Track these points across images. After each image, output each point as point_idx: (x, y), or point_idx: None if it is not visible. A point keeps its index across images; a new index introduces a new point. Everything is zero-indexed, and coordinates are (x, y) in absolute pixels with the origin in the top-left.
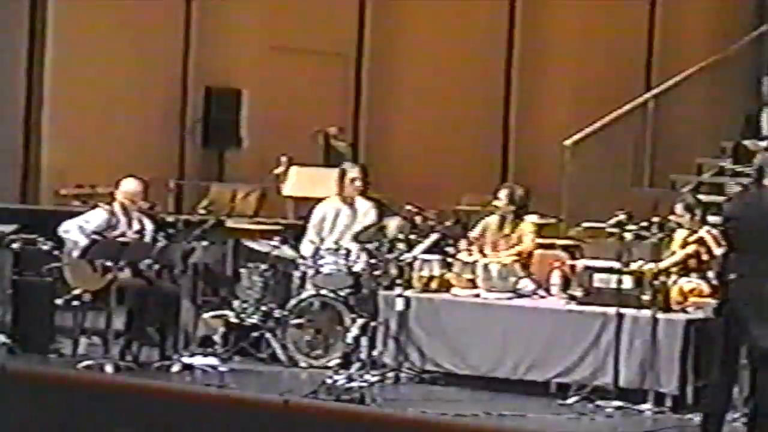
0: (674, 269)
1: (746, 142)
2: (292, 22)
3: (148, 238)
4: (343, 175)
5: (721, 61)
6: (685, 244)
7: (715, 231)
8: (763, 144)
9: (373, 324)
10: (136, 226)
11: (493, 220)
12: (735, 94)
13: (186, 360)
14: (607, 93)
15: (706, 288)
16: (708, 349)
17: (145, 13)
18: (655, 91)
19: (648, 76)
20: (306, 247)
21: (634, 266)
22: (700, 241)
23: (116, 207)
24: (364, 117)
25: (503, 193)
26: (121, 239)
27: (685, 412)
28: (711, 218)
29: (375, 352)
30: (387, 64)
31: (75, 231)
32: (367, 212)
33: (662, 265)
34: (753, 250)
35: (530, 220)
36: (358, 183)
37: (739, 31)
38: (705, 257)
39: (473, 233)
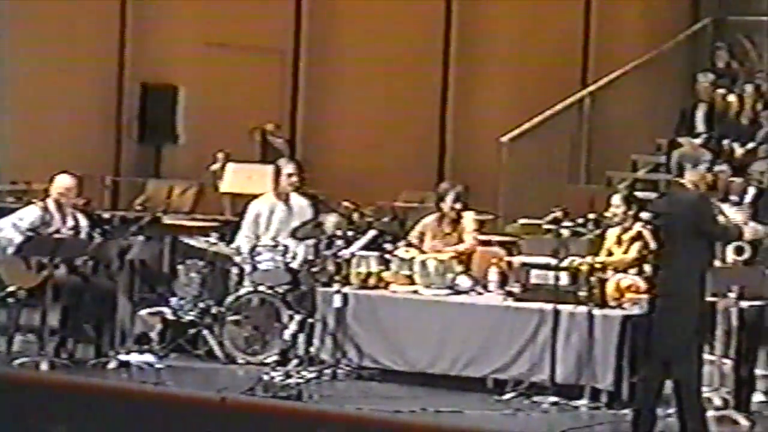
0: (611, 266)
1: (681, 139)
2: (228, 17)
3: (83, 235)
4: (279, 171)
5: (656, 59)
6: (619, 241)
7: (650, 226)
8: (697, 141)
9: (310, 320)
10: (70, 222)
11: (431, 219)
12: (670, 91)
13: (122, 357)
14: (543, 90)
15: (642, 284)
16: (644, 345)
17: (80, 10)
18: (590, 89)
19: (584, 73)
20: (241, 244)
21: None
22: (639, 237)
23: (50, 204)
24: (301, 113)
25: (451, 195)
26: (56, 236)
27: (620, 408)
28: (644, 215)
29: (312, 349)
30: (324, 61)
31: (9, 228)
32: (302, 209)
33: (606, 260)
34: (675, 247)
35: (469, 217)
36: (294, 179)
37: (674, 28)
38: (644, 252)
39: (412, 235)
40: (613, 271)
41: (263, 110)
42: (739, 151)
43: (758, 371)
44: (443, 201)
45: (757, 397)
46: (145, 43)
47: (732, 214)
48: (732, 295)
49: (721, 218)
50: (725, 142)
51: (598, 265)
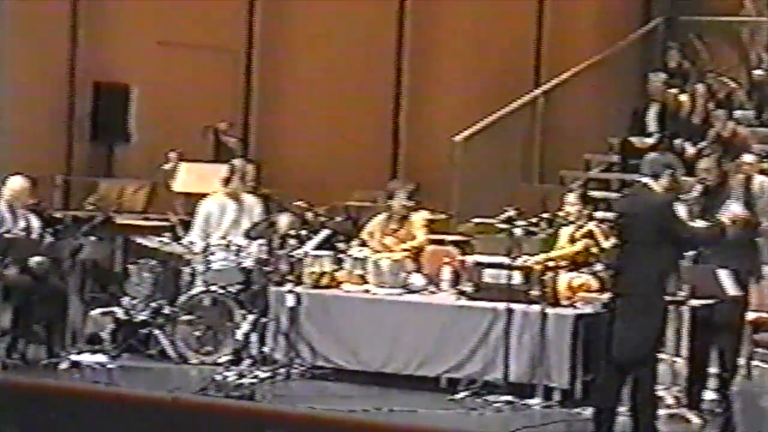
0: (564, 263)
1: (633, 139)
2: (181, 17)
3: (35, 235)
4: (232, 170)
5: (609, 59)
6: (572, 240)
7: (603, 225)
8: (649, 140)
9: (263, 320)
10: (22, 223)
11: (382, 218)
12: (622, 90)
13: (74, 357)
14: (496, 89)
15: (594, 283)
16: (596, 344)
17: (33, 8)
18: (544, 88)
19: (537, 72)
20: (192, 243)
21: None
22: (590, 235)
23: (2, 205)
24: (254, 113)
25: (402, 193)
26: (7, 236)
27: (573, 406)
28: (598, 213)
29: (266, 349)
30: (277, 60)
31: None
32: (253, 208)
33: (552, 254)
34: (636, 248)
35: (420, 215)
36: (247, 179)
37: (626, 28)
38: (594, 250)
39: (364, 234)
40: (564, 268)
41: (216, 109)
42: (690, 150)
43: (710, 369)
44: (393, 199)
45: (709, 395)
46: (97, 41)
47: (682, 212)
48: (683, 293)
49: (699, 222)
50: (677, 141)
51: (551, 263)
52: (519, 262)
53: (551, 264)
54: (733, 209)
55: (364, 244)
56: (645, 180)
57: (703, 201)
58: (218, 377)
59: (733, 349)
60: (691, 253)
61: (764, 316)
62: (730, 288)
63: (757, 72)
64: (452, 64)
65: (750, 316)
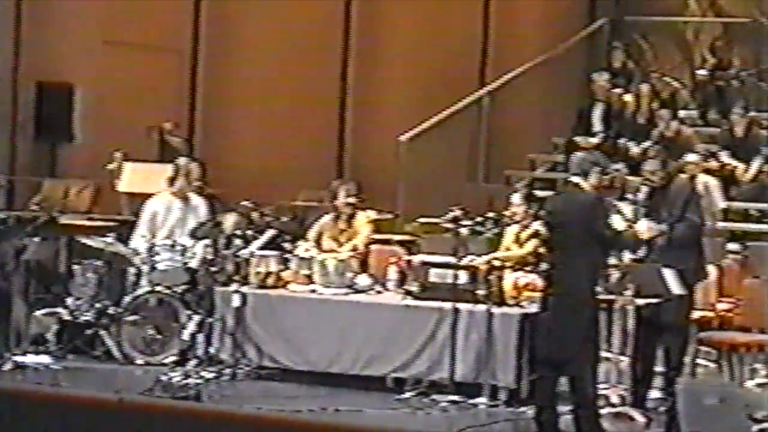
0: (509, 263)
1: (578, 138)
2: (125, 16)
3: None
4: (177, 170)
5: (554, 59)
6: (517, 239)
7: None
8: (594, 140)
9: (209, 320)
10: None
11: (328, 218)
12: (567, 90)
13: (18, 359)
14: (442, 89)
15: (540, 282)
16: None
17: None
18: (489, 88)
19: (482, 72)
20: (137, 243)
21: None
22: (536, 235)
23: None
24: (199, 113)
25: (342, 191)
26: None
27: (519, 405)
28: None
29: (211, 349)
30: (223, 60)
31: None
32: (198, 208)
33: (498, 254)
34: (567, 246)
35: (366, 215)
36: (190, 178)
37: (571, 28)
38: (541, 250)
39: (311, 234)
40: (510, 267)
41: (161, 109)
42: (635, 150)
43: (655, 368)
44: (336, 198)
45: (654, 393)
46: (40, 40)
47: (628, 212)
48: (628, 293)
49: (619, 220)
50: (621, 141)
51: (497, 263)
52: (465, 261)
53: (497, 264)
54: (641, 225)
55: (318, 243)
56: (574, 179)
57: (648, 202)
58: (164, 378)
59: (679, 348)
60: (641, 253)
61: (709, 315)
62: (675, 287)
63: (701, 72)
64: (398, 64)
65: (695, 315)
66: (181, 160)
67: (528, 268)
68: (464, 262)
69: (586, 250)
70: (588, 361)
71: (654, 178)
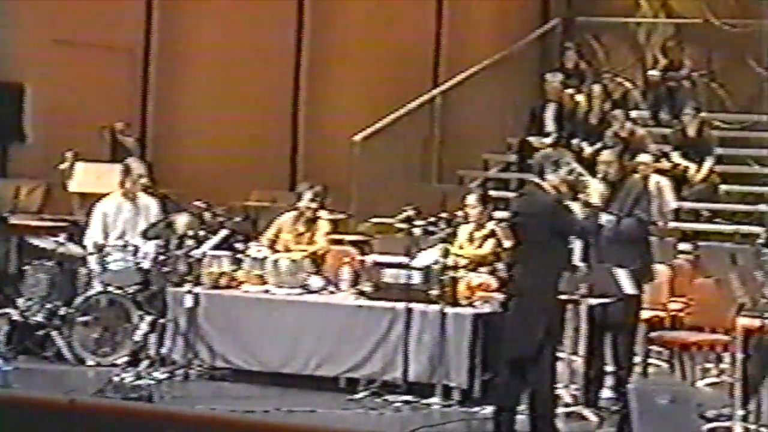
0: (463, 262)
1: (531, 138)
2: (77, 15)
3: None
4: (126, 170)
5: (507, 58)
6: (471, 239)
7: (503, 224)
8: (547, 140)
9: (161, 321)
10: None
11: (287, 219)
12: (520, 90)
13: None
14: (395, 90)
15: (494, 282)
16: (495, 343)
17: None
18: (442, 88)
19: (435, 72)
20: (88, 244)
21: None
22: (492, 235)
23: None
24: (151, 113)
25: (308, 194)
26: None
27: (472, 405)
28: (497, 213)
29: (164, 350)
30: (175, 60)
31: None
32: (150, 208)
33: (465, 251)
34: (530, 247)
35: (326, 219)
36: (142, 179)
37: (524, 28)
38: (497, 250)
39: (268, 233)
40: (465, 267)
41: (113, 109)
42: (588, 150)
43: (606, 368)
44: (301, 199)
45: (606, 393)
46: None
47: (580, 212)
48: (580, 292)
49: (579, 208)
50: (574, 141)
51: (451, 263)
52: (420, 255)
53: (450, 264)
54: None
55: (273, 242)
56: (536, 179)
57: (602, 205)
58: (116, 379)
59: (628, 347)
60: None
61: (661, 315)
62: (628, 287)
63: (653, 72)
64: (351, 64)
65: (645, 314)
66: (129, 160)
67: (484, 269)
68: (419, 256)
69: (549, 250)
70: (547, 361)
71: (610, 170)
